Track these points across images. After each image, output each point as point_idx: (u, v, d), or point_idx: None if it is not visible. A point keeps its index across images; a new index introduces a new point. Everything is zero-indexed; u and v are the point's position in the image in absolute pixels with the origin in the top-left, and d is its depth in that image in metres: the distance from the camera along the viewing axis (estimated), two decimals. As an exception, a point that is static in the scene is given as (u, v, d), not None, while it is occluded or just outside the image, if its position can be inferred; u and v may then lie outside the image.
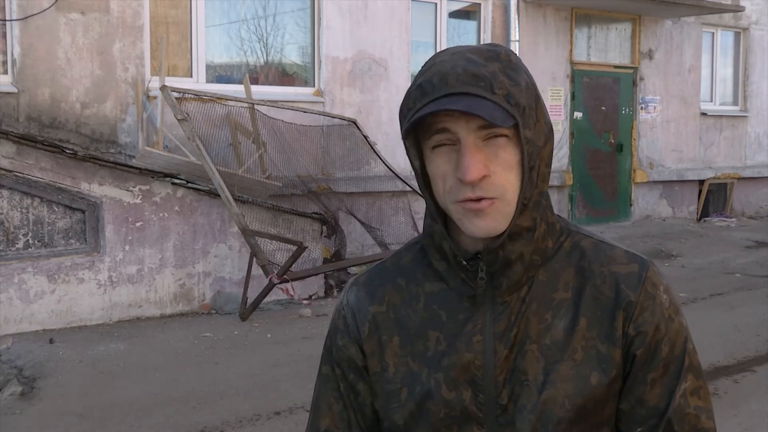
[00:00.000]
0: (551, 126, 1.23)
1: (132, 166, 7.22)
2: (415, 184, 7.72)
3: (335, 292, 8.10)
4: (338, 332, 1.36)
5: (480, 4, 10.50)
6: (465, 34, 10.58)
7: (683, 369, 1.23)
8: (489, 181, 1.16)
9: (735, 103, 13.81)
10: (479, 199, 1.16)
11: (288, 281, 7.07)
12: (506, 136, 1.16)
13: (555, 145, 11.06)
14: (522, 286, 1.24)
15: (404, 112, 1.20)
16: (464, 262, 1.24)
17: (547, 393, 1.20)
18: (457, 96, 1.13)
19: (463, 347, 1.24)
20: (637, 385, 1.22)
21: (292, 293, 7.26)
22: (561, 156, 11.37)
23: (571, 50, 11.35)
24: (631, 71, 12.20)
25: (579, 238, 1.29)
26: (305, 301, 7.36)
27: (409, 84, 1.29)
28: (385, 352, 1.30)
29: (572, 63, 11.41)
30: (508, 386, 1.23)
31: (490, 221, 1.18)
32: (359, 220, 8.57)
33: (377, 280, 1.35)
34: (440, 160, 1.18)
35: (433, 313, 1.28)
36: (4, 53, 7.05)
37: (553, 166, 11.17)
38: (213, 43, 8.46)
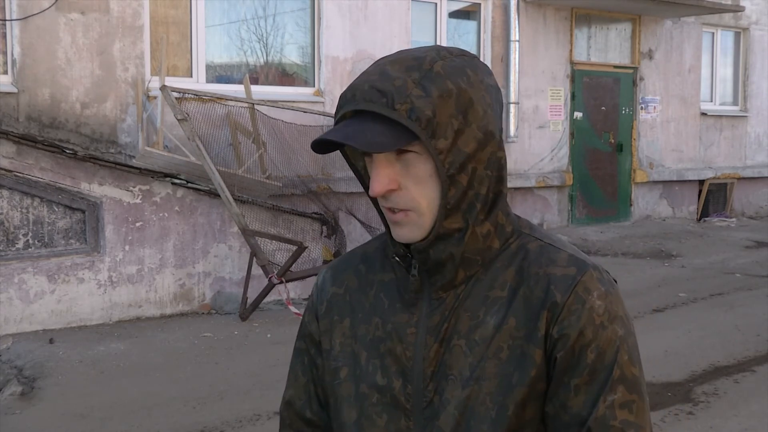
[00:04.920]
0: (489, 129, 1.21)
1: (132, 166, 7.22)
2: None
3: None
4: (307, 309, 1.45)
5: (480, 4, 10.50)
6: (465, 34, 10.58)
7: (611, 379, 1.19)
8: (399, 194, 1.21)
9: (735, 103, 13.81)
10: (394, 211, 1.22)
11: (285, 282, 7.06)
12: (414, 152, 1.18)
13: (555, 145, 11.15)
14: (459, 284, 1.26)
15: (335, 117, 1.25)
16: (396, 258, 1.29)
17: (471, 389, 1.22)
18: (356, 118, 1.19)
19: (397, 337, 1.28)
20: (560, 390, 1.20)
21: (289, 302, 7.24)
22: (561, 156, 11.37)
23: (571, 50, 11.35)
24: (631, 71, 12.19)
25: (528, 240, 1.29)
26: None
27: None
28: (335, 332, 1.37)
29: (572, 63, 11.40)
30: (435, 379, 1.25)
31: (407, 231, 1.23)
32: (359, 220, 8.56)
33: (343, 264, 1.42)
34: (368, 167, 1.25)
35: (379, 300, 1.33)
36: (4, 53, 7.05)
37: (553, 166, 11.19)
38: (213, 43, 8.45)
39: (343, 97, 1.21)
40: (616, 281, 1.29)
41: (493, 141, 1.22)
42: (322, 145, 1.21)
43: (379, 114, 1.17)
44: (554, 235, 1.33)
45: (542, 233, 1.32)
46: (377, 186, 1.19)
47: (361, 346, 1.32)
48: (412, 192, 1.20)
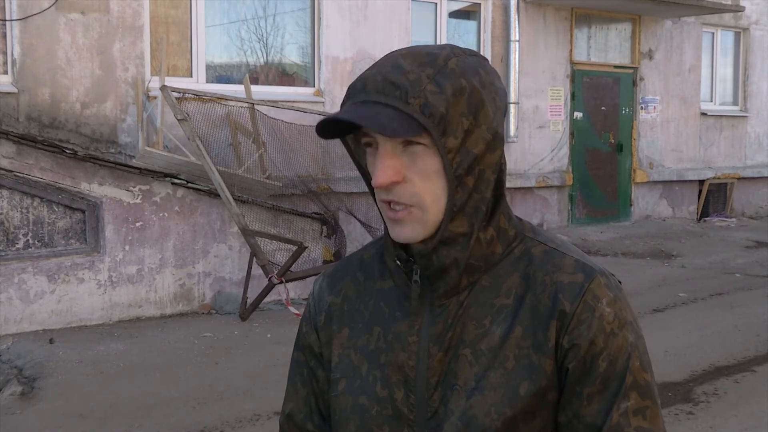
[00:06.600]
0: (498, 132, 1.19)
1: (132, 166, 7.22)
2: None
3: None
4: (304, 319, 1.41)
5: (480, 4, 10.50)
6: (465, 34, 10.58)
7: (624, 386, 1.18)
8: (403, 187, 1.16)
9: (735, 103, 13.81)
10: (394, 206, 1.18)
11: (285, 282, 7.05)
12: (423, 144, 1.15)
13: (555, 145, 11.15)
14: (462, 291, 1.23)
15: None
16: (398, 263, 1.25)
17: (474, 400, 1.19)
18: (368, 104, 1.14)
19: (399, 346, 1.25)
20: (573, 399, 1.19)
21: (289, 302, 7.23)
22: (561, 156, 11.37)
23: (571, 50, 11.35)
24: (631, 71, 12.20)
25: (532, 244, 1.26)
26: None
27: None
28: (333, 342, 1.33)
29: (572, 63, 11.41)
30: (439, 389, 1.22)
31: (408, 230, 1.19)
32: (359, 220, 8.56)
33: (340, 272, 1.38)
34: (369, 160, 1.21)
35: (379, 309, 1.29)
36: (4, 53, 7.05)
37: (553, 166, 11.19)
38: (213, 43, 8.46)
39: (352, 87, 1.17)
40: (620, 282, 1.27)
41: (501, 144, 1.21)
42: (327, 128, 1.17)
43: (389, 105, 1.13)
44: (557, 238, 1.30)
45: (545, 236, 1.29)
46: (382, 177, 1.15)
47: (362, 357, 1.29)
48: (417, 186, 1.16)
